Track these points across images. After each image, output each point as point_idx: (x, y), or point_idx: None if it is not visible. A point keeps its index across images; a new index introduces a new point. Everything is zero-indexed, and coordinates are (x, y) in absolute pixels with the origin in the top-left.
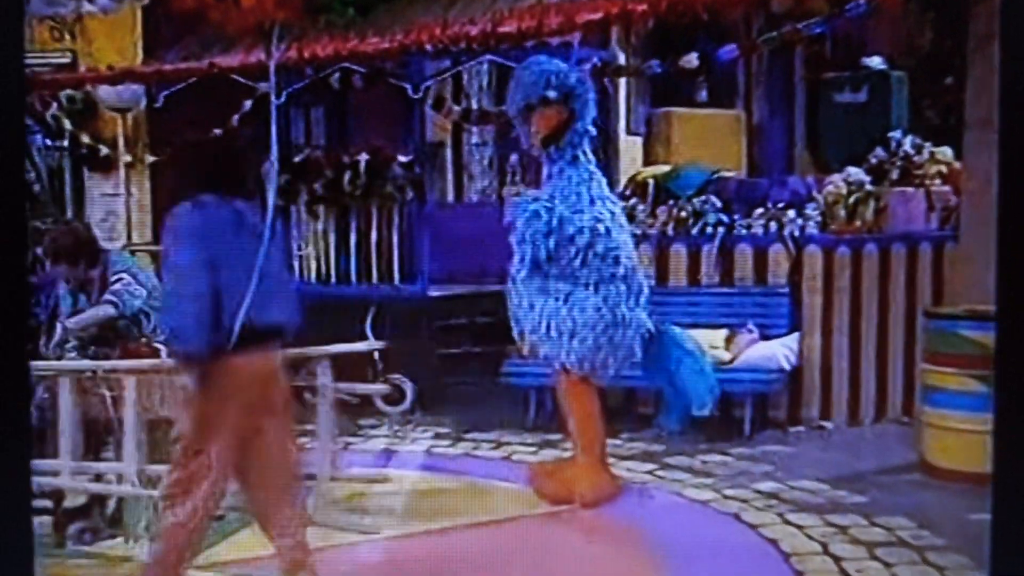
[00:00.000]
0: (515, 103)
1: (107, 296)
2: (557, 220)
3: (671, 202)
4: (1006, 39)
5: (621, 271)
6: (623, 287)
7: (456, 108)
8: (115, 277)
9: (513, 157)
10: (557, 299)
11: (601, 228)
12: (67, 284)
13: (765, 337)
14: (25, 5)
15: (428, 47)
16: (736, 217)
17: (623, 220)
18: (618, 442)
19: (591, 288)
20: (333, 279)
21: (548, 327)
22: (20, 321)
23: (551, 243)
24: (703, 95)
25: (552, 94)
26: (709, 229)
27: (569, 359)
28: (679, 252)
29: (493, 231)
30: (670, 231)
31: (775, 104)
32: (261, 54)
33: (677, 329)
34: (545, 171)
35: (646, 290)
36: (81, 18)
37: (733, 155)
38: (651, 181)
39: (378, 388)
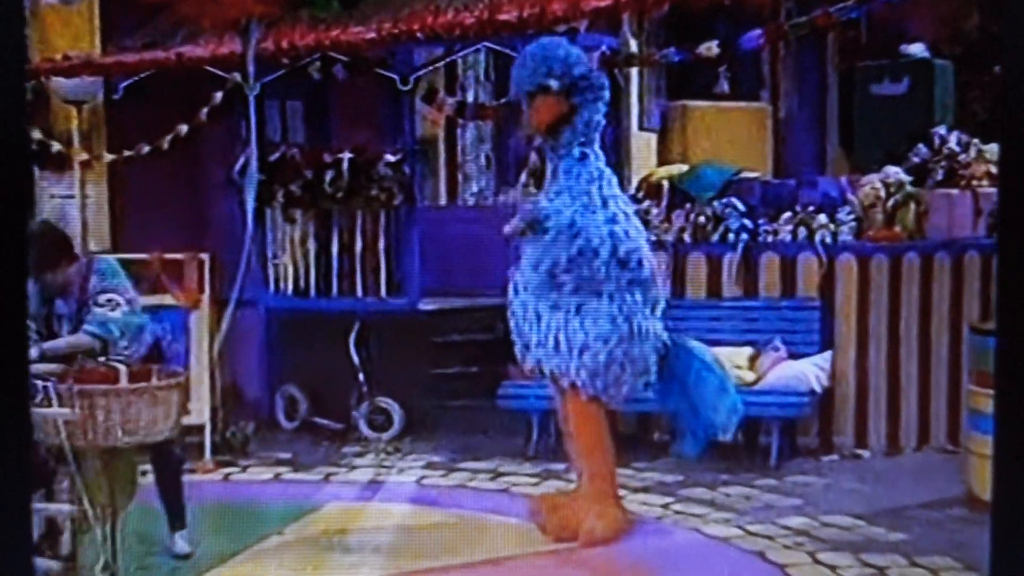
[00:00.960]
0: (513, 88)
1: (90, 327)
2: (574, 223)
3: (688, 206)
4: (1006, 39)
5: (639, 277)
6: (639, 295)
7: (450, 101)
8: (104, 297)
9: (532, 156)
10: (568, 310)
11: (619, 230)
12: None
13: (794, 356)
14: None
15: (419, 36)
16: (761, 222)
17: (638, 222)
18: (629, 472)
19: (606, 297)
20: (312, 291)
21: (556, 341)
22: (20, 322)
23: (573, 249)
24: (724, 86)
25: (552, 83)
26: (731, 236)
27: (579, 376)
28: (697, 261)
29: (491, 237)
30: (687, 238)
31: (805, 96)
32: (235, 45)
33: (695, 342)
34: (549, 168)
35: (663, 298)
36: (37, 4)
37: (757, 153)
38: (666, 182)
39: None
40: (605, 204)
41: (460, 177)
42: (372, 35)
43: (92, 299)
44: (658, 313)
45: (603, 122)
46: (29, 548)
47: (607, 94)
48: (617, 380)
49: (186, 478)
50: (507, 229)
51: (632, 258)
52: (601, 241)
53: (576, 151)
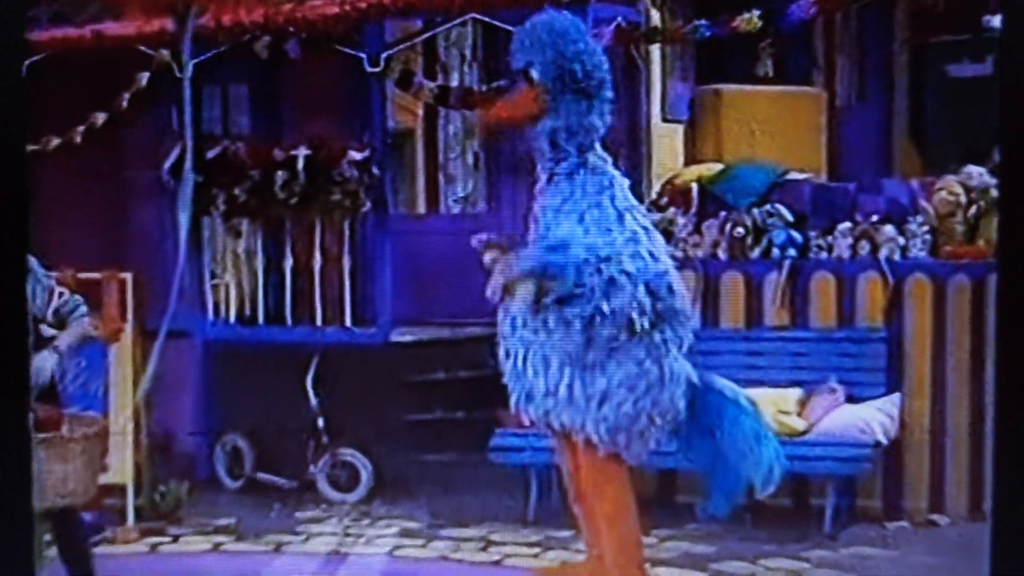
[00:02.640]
0: (514, 66)
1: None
2: (597, 249)
3: (723, 214)
4: (1006, 39)
5: (670, 307)
6: (670, 329)
7: (429, 85)
8: (75, 316)
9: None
10: (582, 353)
11: (643, 251)
12: None
13: (853, 399)
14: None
15: (392, 8)
16: (812, 235)
17: (659, 239)
18: (651, 541)
19: (633, 335)
20: (261, 319)
21: (571, 390)
22: (20, 322)
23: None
24: (768, 67)
25: (535, 73)
26: (775, 251)
27: (598, 431)
28: (734, 283)
29: (478, 252)
30: (721, 254)
31: (867, 79)
32: (166, 21)
33: (723, 380)
34: (543, 175)
35: (691, 332)
36: None
37: (808, 149)
38: (695, 186)
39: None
40: (621, 219)
41: (442, 179)
42: (335, 9)
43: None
44: (685, 349)
45: (605, 126)
46: (30, 548)
47: (607, 106)
48: (642, 434)
49: (101, 551)
50: (490, 291)
51: (661, 285)
52: (624, 269)
53: (576, 154)
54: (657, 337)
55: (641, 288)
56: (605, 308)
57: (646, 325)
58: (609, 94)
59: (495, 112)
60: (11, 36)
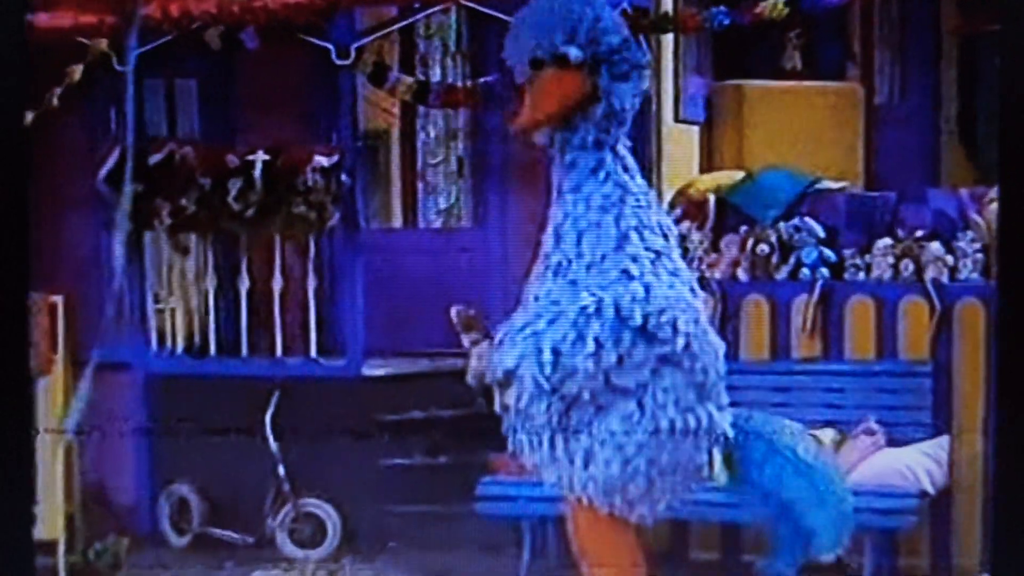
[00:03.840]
0: (511, 56)
1: None
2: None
3: (744, 229)
4: (1006, 39)
5: (673, 352)
6: (675, 377)
7: (407, 81)
8: None
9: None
10: (563, 406)
11: (638, 288)
12: None
13: (895, 442)
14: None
15: None
16: (847, 253)
17: (675, 261)
18: None
19: (620, 388)
20: (212, 349)
21: (552, 443)
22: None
23: (567, 332)
24: (796, 60)
25: (572, 52)
26: (805, 271)
27: (587, 491)
28: (756, 308)
29: (466, 273)
30: (742, 274)
31: (910, 73)
32: (104, 12)
33: (776, 420)
34: (556, 181)
35: (719, 372)
36: None
37: (843, 154)
38: (712, 196)
39: None
40: (621, 245)
41: (421, 188)
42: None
43: None
44: (713, 396)
45: (633, 113)
46: (30, 548)
47: (647, 77)
48: (645, 495)
49: None
50: (470, 378)
51: (662, 326)
52: (608, 310)
53: (589, 159)
54: (657, 387)
55: (627, 337)
56: (587, 368)
57: (631, 385)
58: (647, 78)
59: (547, 104)
60: (11, 36)
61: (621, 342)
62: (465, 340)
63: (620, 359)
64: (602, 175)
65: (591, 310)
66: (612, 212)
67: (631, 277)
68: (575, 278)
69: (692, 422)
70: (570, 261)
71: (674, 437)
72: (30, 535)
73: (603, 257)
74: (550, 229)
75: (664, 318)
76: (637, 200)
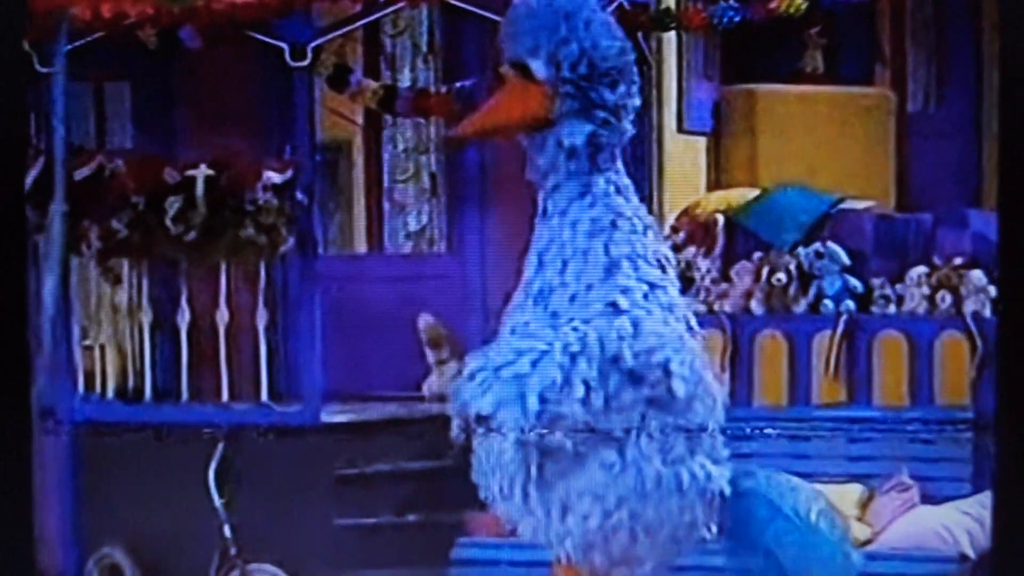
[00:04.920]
0: (505, 53)
1: None
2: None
3: (758, 254)
4: (1006, 39)
5: (660, 395)
6: (664, 423)
7: (372, 85)
8: None
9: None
10: (537, 452)
11: (625, 324)
12: None
13: (931, 499)
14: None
15: None
16: (876, 282)
17: (668, 297)
18: None
19: (630, 432)
20: (148, 393)
21: (526, 493)
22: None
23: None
24: (817, 62)
25: (536, 67)
26: (827, 304)
27: (565, 548)
28: (772, 345)
29: (440, 305)
30: (756, 307)
31: (947, 77)
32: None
33: (780, 478)
34: (541, 202)
35: (716, 418)
36: None
37: (871, 169)
38: (721, 218)
39: None
40: (611, 273)
41: (388, 208)
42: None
43: None
44: (708, 448)
45: (627, 135)
46: (30, 549)
47: (635, 96)
48: (628, 554)
49: None
50: (427, 395)
51: (652, 367)
52: (593, 347)
53: (575, 181)
54: (643, 434)
55: (615, 378)
56: (576, 414)
57: (615, 431)
58: (636, 90)
59: (481, 119)
60: (12, 38)
61: (609, 384)
62: (430, 356)
63: (607, 402)
64: (590, 199)
65: (575, 348)
66: (601, 238)
67: (619, 311)
68: (556, 309)
69: (683, 475)
70: (552, 290)
71: (660, 491)
72: (31, 535)
73: (589, 287)
74: (532, 254)
75: (655, 358)
76: (632, 226)
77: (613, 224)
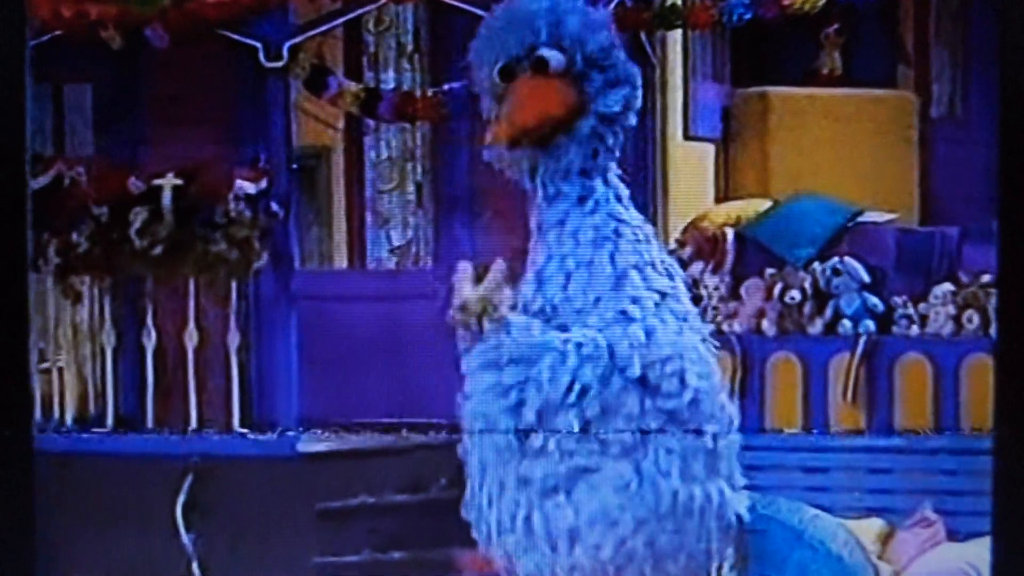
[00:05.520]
0: (484, 64)
1: None
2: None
3: (770, 271)
4: (1005, 39)
5: (678, 408)
6: (681, 441)
7: (353, 87)
8: None
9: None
10: (545, 473)
11: (638, 331)
12: None
13: (956, 535)
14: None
15: None
16: (897, 301)
17: (681, 306)
18: None
19: (615, 449)
20: (110, 421)
21: (529, 524)
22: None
23: (559, 377)
24: (834, 62)
25: (553, 57)
26: (846, 323)
27: None
28: (785, 368)
29: (426, 324)
30: (768, 327)
31: (975, 79)
32: None
33: (801, 509)
34: (536, 218)
35: (731, 437)
36: None
37: (892, 178)
38: (730, 232)
39: None
40: (620, 284)
41: (370, 220)
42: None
43: None
44: (724, 472)
45: (627, 133)
46: (31, 549)
47: (639, 89)
48: None
49: None
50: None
51: (667, 377)
52: (604, 357)
53: (574, 187)
54: (661, 449)
55: (617, 385)
56: (567, 418)
57: (624, 442)
58: (639, 89)
59: (526, 114)
60: (12, 38)
61: (610, 390)
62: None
63: (604, 410)
64: (591, 205)
65: (582, 352)
66: (606, 248)
67: (631, 319)
68: (563, 324)
69: (700, 497)
70: (555, 307)
71: (677, 512)
72: (30, 535)
73: (597, 300)
74: (530, 274)
75: (669, 368)
76: (635, 234)
77: (617, 232)
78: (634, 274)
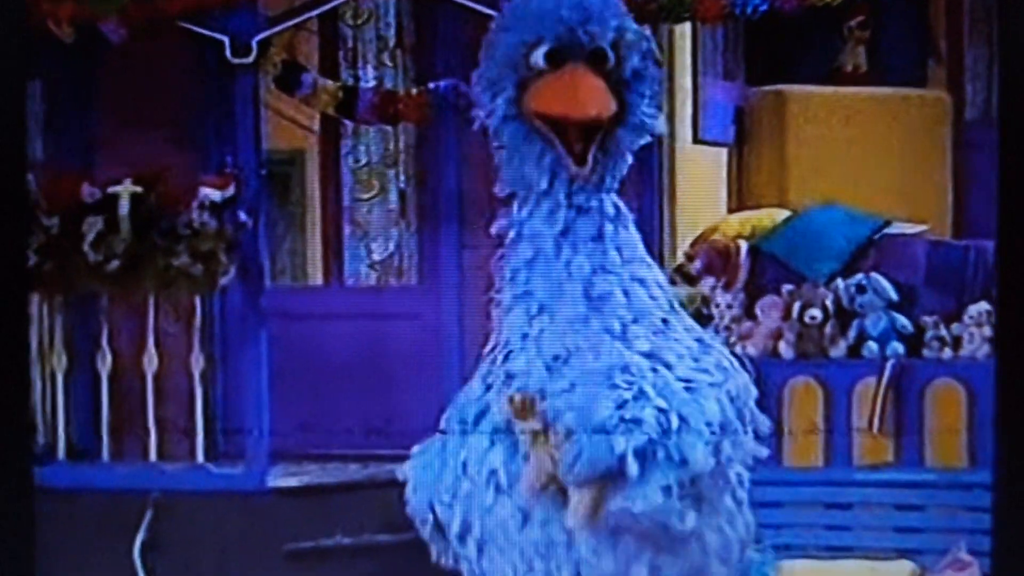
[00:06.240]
0: (522, 39)
1: None
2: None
3: (788, 288)
4: (1006, 38)
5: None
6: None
7: (329, 86)
8: None
9: None
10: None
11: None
12: None
13: None
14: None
15: None
16: (928, 321)
17: (674, 345)
18: None
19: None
20: (61, 451)
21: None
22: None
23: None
24: (859, 59)
25: (610, 53)
26: (871, 346)
27: None
28: (805, 394)
29: (409, 346)
30: (786, 349)
31: (1017, 76)
32: None
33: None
34: (556, 241)
35: (742, 488)
36: None
37: (923, 186)
38: (744, 244)
39: None
40: (587, 319)
41: (348, 232)
42: None
43: None
44: (743, 533)
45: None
46: (31, 548)
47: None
48: None
49: None
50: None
51: (745, 408)
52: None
53: (608, 200)
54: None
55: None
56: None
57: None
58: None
59: (583, 109)
60: (12, 39)
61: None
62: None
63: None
64: (624, 219)
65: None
66: (578, 277)
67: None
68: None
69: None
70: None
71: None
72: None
73: (636, 320)
74: (532, 301)
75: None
76: (618, 256)
77: (602, 249)
78: (602, 310)
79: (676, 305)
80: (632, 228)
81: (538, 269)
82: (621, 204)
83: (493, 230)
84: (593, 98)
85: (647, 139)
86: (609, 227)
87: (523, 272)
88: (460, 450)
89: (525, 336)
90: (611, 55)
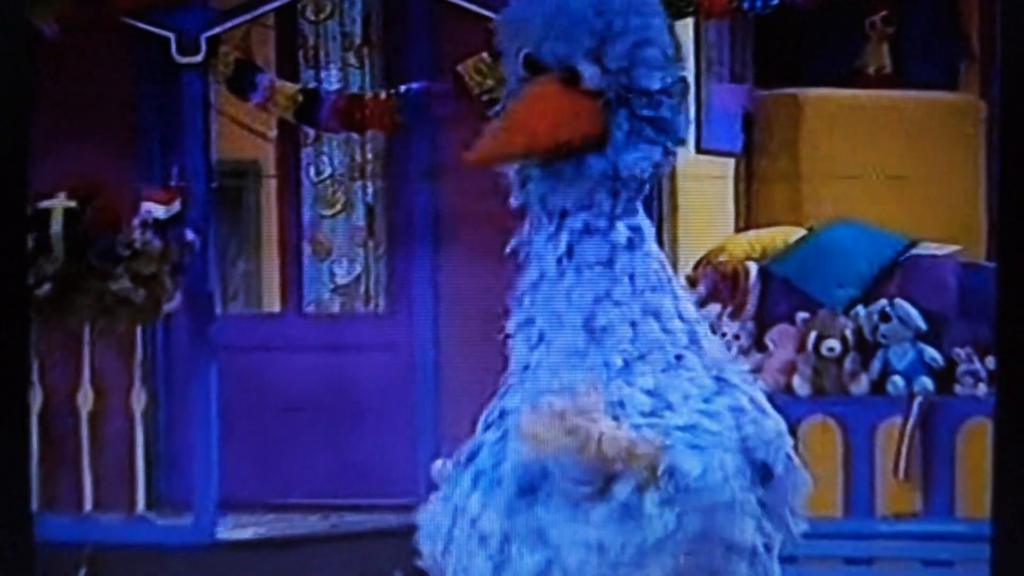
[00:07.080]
0: (508, 48)
1: None
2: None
3: (803, 316)
4: (1006, 38)
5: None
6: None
7: (286, 88)
8: None
9: None
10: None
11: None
12: None
13: None
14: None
15: None
16: (960, 353)
17: (679, 383)
18: None
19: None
20: None
21: None
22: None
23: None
24: (883, 59)
25: (588, 73)
26: (897, 381)
27: None
28: (822, 434)
29: (378, 381)
30: (799, 384)
31: (1017, 76)
32: None
33: None
34: (559, 259)
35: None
36: None
37: (953, 201)
38: (753, 267)
39: None
40: (585, 353)
41: (309, 252)
42: None
43: None
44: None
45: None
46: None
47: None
48: None
49: None
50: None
51: (778, 453)
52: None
53: (619, 225)
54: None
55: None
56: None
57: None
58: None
59: (509, 138)
60: (12, 40)
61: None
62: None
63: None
64: (640, 247)
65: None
66: (668, 296)
67: (728, 386)
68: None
69: None
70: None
71: None
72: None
73: (648, 353)
74: (532, 331)
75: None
76: (627, 288)
77: (670, 277)
78: (604, 343)
79: (703, 339)
80: (654, 254)
81: (541, 294)
82: (644, 227)
83: (508, 249)
84: (501, 128)
85: (640, 171)
86: (621, 253)
87: (528, 296)
88: (453, 491)
89: (526, 368)
90: (587, 72)
